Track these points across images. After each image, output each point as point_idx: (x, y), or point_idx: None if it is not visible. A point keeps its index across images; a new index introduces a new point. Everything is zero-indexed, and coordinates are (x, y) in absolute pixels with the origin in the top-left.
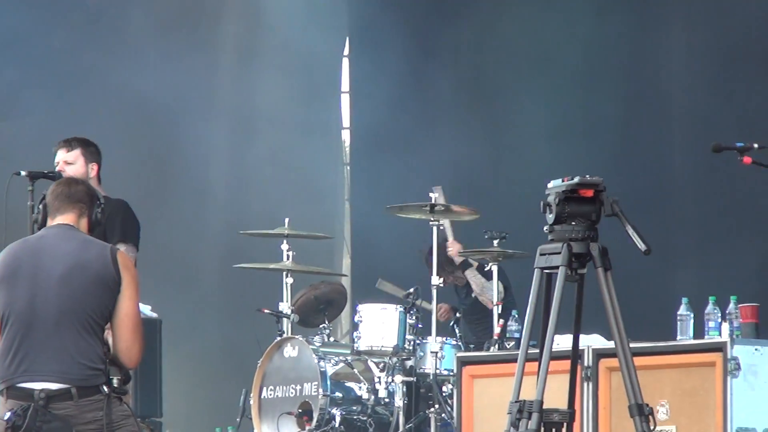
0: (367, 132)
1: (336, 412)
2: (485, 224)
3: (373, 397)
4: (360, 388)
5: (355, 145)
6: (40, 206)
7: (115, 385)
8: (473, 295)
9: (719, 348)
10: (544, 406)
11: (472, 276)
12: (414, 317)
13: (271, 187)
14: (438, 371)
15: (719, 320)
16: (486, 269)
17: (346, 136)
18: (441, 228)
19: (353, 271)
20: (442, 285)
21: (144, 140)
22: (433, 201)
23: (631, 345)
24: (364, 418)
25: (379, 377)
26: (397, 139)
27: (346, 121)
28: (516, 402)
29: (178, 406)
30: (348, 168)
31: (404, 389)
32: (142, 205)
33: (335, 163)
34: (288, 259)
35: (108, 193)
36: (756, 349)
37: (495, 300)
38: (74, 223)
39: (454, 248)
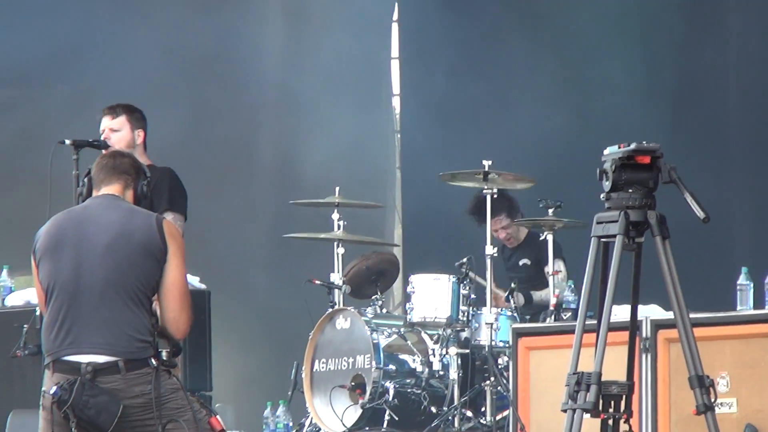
0: (418, 99)
1: (389, 385)
2: (540, 193)
3: (427, 369)
4: (414, 360)
5: (406, 113)
6: (86, 179)
7: (164, 358)
8: (528, 263)
9: None
10: (603, 378)
11: (523, 303)
12: (467, 288)
13: (320, 155)
14: (493, 343)
15: None
16: (541, 238)
17: (396, 103)
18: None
19: (405, 240)
20: (496, 254)
21: (190, 105)
22: (486, 168)
23: (691, 316)
24: (418, 392)
25: (433, 349)
26: (449, 106)
27: (396, 87)
28: (574, 374)
29: (228, 380)
30: (399, 136)
31: (459, 361)
32: (188, 173)
33: (386, 130)
34: (339, 228)
35: (155, 161)
36: None
37: (550, 270)
38: (120, 194)
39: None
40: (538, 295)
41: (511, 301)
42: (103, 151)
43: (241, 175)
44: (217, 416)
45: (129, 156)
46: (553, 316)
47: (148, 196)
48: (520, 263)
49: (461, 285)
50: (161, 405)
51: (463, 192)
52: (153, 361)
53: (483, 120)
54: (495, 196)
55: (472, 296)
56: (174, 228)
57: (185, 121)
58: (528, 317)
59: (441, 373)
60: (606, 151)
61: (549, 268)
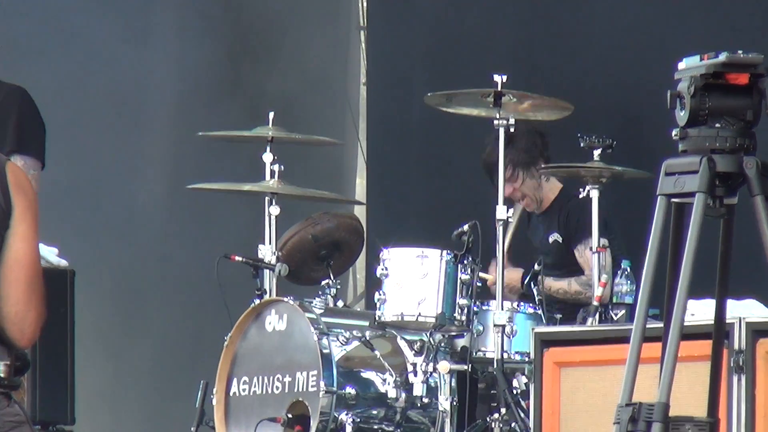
0: None
1: (346, 418)
2: (580, 126)
3: (404, 395)
4: (384, 381)
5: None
6: None
7: (1, 375)
8: (560, 240)
9: None
10: (671, 413)
11: (555, 290)
12: (469, 270)
13: (245, 62)
14: (506, 356)
15: None
16: (581, 197)
17: None
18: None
19: (372, 196)
20: (512, 220)
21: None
22: (499, 87)
23: None
24: (390, 429)
25: (414, 364)
26: None
27: None
28: (627, 406)
29: (99, 409)
30: (364, 34)
31: (453, 384)
32: (53, 101)
33: (346, 27)
34: (273, 176)
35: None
36: None
37: (594, 246)
38: None
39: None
40: (559, 285)
41: (534, 291)
42: None
43: (128, 98)
44: None
45: None
46: (597, 316)
47: None
48: (550, 239)
49: (460, 266)
50: None
51: (463, 123)
52: None
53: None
54: (512, 130)
55: (477, 283)
56: (23, 177)
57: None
58: (560, 316)
59: (426, 400)
60: (681, 65)
61: (593, 242)
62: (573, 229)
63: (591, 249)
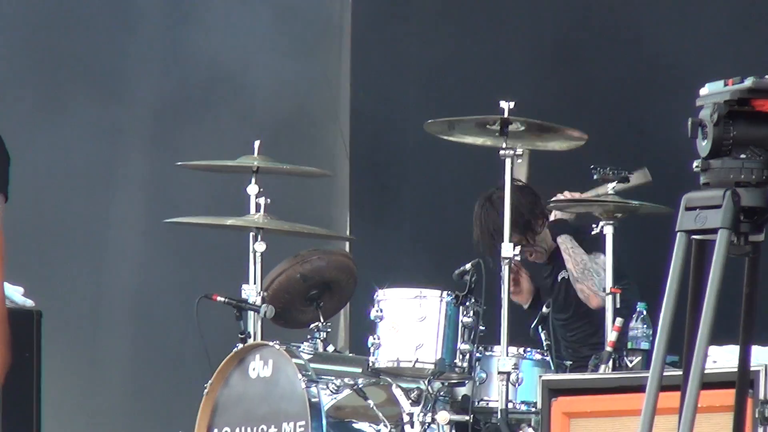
0: None
1: None
2: (593, 156)
3: None
4: None
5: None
6: None
7: None
8: (567, 277)
9: None
10: None
11: (569, 248)
12: (471, 312)
13: (229, 83)
14: (511, 405)
15: None
16: (592, 233)
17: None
18: (518, 162)
19: (358, 229)
20: (519, 257)
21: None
22: (506, 114)
23: None
24: None
25: (411, 414)
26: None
27: None
28: None
29: None
30: (351, 55)
31: None
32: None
33: (337, 49)
34: (258, 210)
35: None
36: None
37: (607, 287)
38: None
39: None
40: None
41: (542, 336)
42: None
43: (101, 121)
44: None
45: None
46: (610, 362)
47: None
48: (558, 278)
49: (461, 308)
50: None
51: (465, 155)
52: None
53: (493, 27)
54: (519, 161)
55: (480, 327)
56: None
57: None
58: (569, 363)
59: None
60: (704, 90)
61: (606, 282)
62: (588, 241)
63: (598, 293)
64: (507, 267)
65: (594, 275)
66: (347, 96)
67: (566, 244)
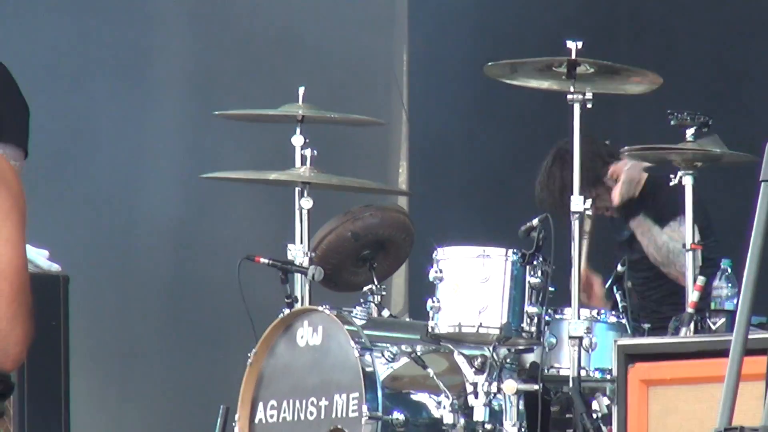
0: None
1: None
2: (668, 101)
3: (462, 420)
4: (439, 404)
5: None
6: None
7: None
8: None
9: None
10: None
11: (646, 231)
12: (539, 272)
13: (272, 31)
14: (584, 373)
15: None
16: (670, 184)
17: None
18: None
19: (414, 185)
20: (591, 213)
21: None
22: (573, 55)
23: None
24: None
25: (475, 384)
26: None
27: None
28: (726, 430)
29: None
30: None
31: (521, 406)
32: (38, 77)
33: None
34: (304, 163)
35: None
36: None
37: (687, 243)
38: None
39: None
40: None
41: (617, 296)
42: None
43: (132, 72)
44: None
45: None
46: (692, 325)
47: None
48: (632, 225)
49: (528, 267)
50: None
51: (529, 98)
52: None
53: None
54: (589, 106)
55: (549, 288)
56: (8, 168)
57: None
58: (647, 326)
59: (488, 427)
60: None
61: (686, 237)
62: (662, 206)
63: (684, 231)
64: (577, 222)
65: (679, 256)
66: (404, 40)
67: (642, 227)
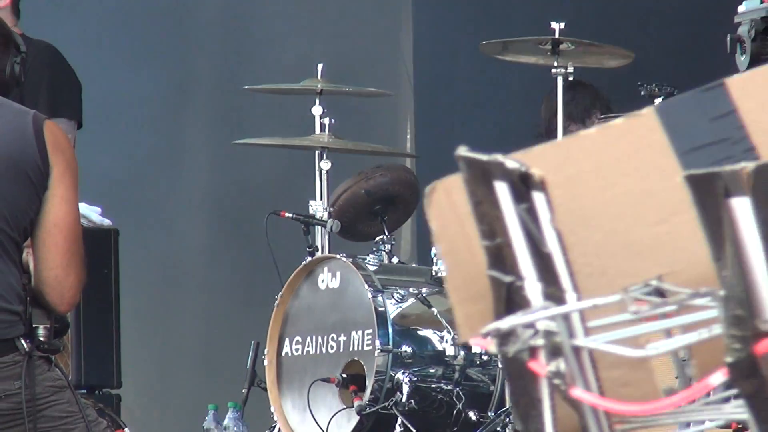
0: None
1: (403, 377)
2: (640, 74)
3: (462, 352)
4: (442, 339)
5: None
6: None
7: (42, 339)
8: None
9: None
10: None
11: None
12: None
13: (291, 8)
14: None
15: None
16: None
17: None
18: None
19: (419, 147)
20: None
21: None
22: (556, 34)
23: None
24: (449, 388)
25: None
26: None
27: None
28: None
29: (146, 372)
30: None
31: None
32: (86, 55)
33: None
34: (323, 130)
35: (28, 33)
36: None
37: None
38: None
39: None
40: None
41: None
42: None
43: (170, 45)
44: (126, 430)
45: None
46: None
47: (21, 82)
48: None
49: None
50: (37, 412)
51: (519, 72)
52: (24, 343)
53: None
54: (570, 79)
55: None
56: (62, 136)
57: None
58: None
59: (485, 357)
60: (741, 8)
61: None
62: None
63: None
64: None
65: None
66: (409, 20)
67: None
